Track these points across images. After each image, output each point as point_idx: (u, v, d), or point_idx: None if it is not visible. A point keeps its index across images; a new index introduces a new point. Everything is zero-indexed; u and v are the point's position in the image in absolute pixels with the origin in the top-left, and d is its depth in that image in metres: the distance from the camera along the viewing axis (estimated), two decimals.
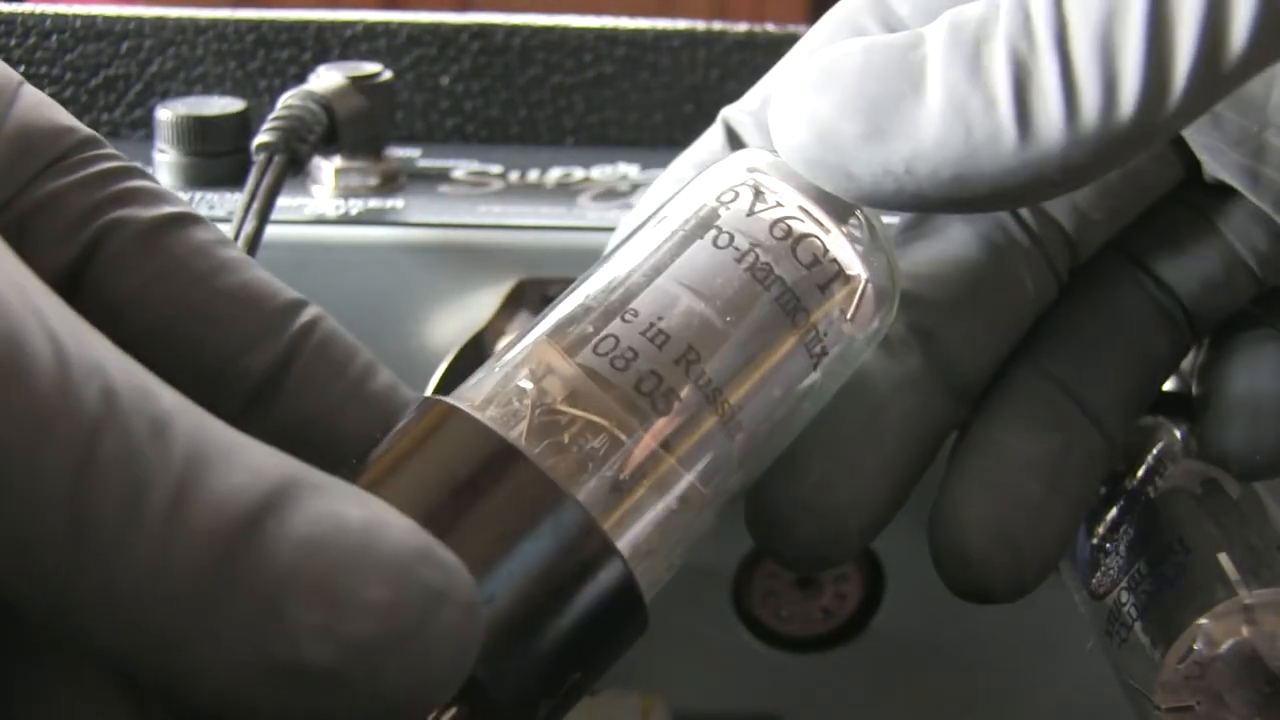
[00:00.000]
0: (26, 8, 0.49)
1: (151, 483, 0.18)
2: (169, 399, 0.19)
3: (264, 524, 0.19)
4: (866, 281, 0.27)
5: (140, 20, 0.49)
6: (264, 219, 0.38)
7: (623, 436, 0.24)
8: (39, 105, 0.27)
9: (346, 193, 0.44)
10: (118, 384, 0.19)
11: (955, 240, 0.31)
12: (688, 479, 0.25)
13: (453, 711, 0.23)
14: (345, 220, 0.42)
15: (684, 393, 0.25)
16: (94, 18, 0.49)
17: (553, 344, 0.25)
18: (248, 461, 0.19)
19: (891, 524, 0.32)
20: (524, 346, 0.26)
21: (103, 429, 0.18)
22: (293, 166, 0.40)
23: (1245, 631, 0.29)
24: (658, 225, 0.27)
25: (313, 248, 0.41)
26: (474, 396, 0.25)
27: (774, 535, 0.29)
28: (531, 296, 0.42)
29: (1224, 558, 0.30)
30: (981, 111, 0.24)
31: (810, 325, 0.26)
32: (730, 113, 0.33)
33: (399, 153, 0.47)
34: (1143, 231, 0.33)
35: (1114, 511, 0.34)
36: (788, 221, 0.26)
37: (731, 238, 0.26)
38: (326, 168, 0.44)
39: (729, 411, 0.25)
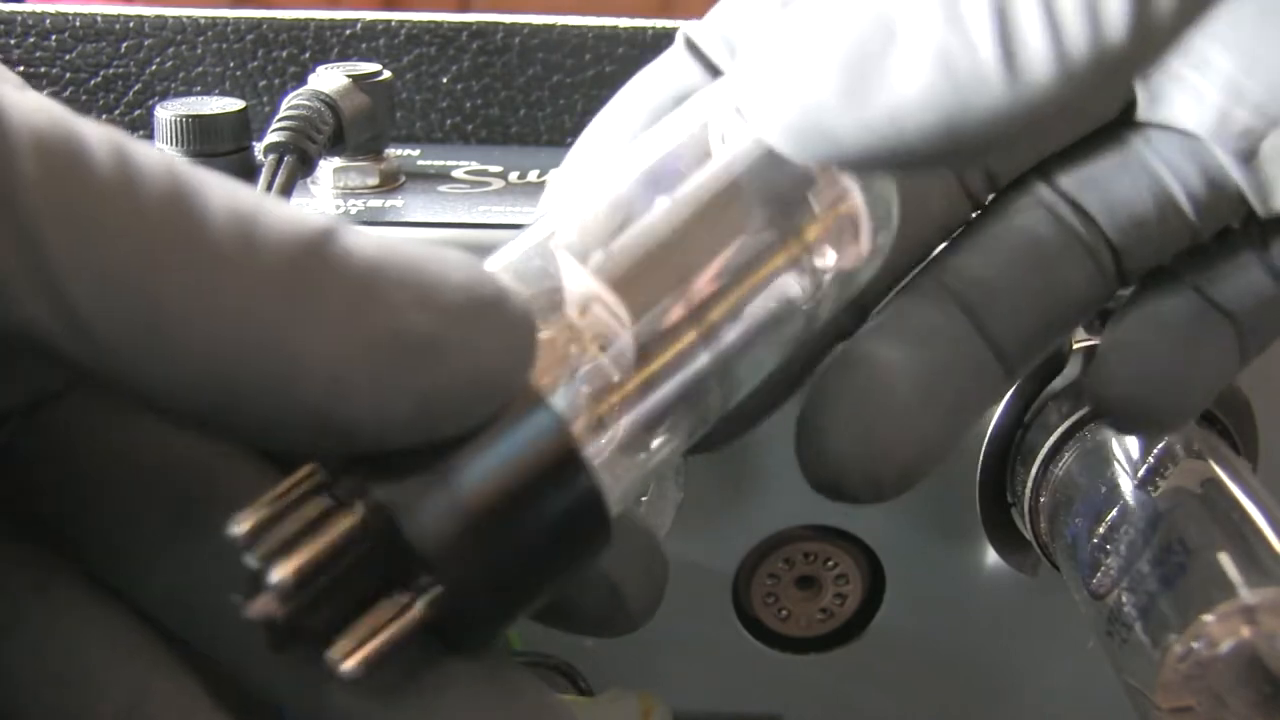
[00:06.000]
0: (26, 8, 0.49)
1: (225, 209, 0.19)
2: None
3: (336, 234, 0.20)
4: (861, 205, 0.27)
5: (140, 20, 0.49)
6: None
7: (605, 348, 0.24)
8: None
9: (346, 192, 0.44)
10: (179, 166, 0.20)
11: None
12: (666, 390, 0.25)
13: (434, 592, 0.22)
14: (345, 220, 0.42)
15: (673, 308, 0.25)
16: (94, 17, 0.49)
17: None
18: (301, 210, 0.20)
19: (891, 525, 0.32)
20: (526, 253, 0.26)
21: (178, 184, 0.19)
22: (302, 167, 0.40)
23: (1245, 631, 0.29)
24: (649, 149, 0.27)
25: None
26: None
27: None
28: None
29: (1224, 558, 0.30)
30: (963, 55, 0.22)
31: (802, 245, 0.27)
32: (697, 34, 0.31)
33: (399, 152, 0.47)
34: (1072, 164, 0.32)
35: (1114, 511, 0.34)
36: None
37: (729, 165, 0.26)
38: (326, 167, 0.44)
39: (712, 329, 0.26)
